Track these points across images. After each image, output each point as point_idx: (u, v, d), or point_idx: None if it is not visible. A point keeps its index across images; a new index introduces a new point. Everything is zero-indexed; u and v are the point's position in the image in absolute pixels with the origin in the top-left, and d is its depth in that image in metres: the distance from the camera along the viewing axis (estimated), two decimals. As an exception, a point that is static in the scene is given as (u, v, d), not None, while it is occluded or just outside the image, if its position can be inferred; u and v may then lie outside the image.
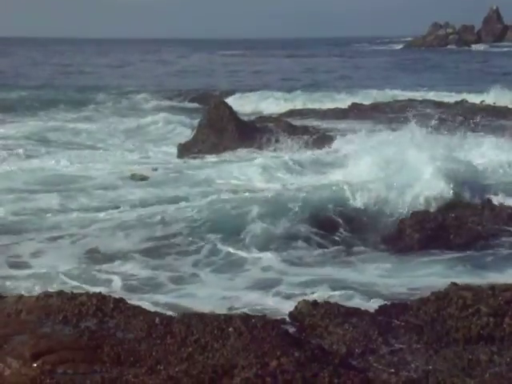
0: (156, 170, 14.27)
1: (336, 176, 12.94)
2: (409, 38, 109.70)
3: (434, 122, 13.43)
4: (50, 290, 6.38)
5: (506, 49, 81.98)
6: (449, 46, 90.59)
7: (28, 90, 34.17)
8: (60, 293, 5.80)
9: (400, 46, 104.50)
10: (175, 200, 11.43)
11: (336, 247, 9.66)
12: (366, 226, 10.40)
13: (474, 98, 26.71)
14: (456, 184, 11.21)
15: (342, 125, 20.68)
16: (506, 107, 24.31)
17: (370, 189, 11.14)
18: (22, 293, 6.66)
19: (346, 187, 11.36)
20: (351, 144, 15.20)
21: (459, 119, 20.21)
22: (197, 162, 15.89)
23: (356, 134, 16.04)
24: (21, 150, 17.37)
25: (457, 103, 25.78)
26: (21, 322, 5.28)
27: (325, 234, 10.02)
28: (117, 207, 11.10)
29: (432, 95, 28.84)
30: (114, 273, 8.36)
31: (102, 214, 10.68)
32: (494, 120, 21.44)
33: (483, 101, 26.43)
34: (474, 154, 13.90)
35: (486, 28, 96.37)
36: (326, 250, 9.55)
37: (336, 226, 10.33)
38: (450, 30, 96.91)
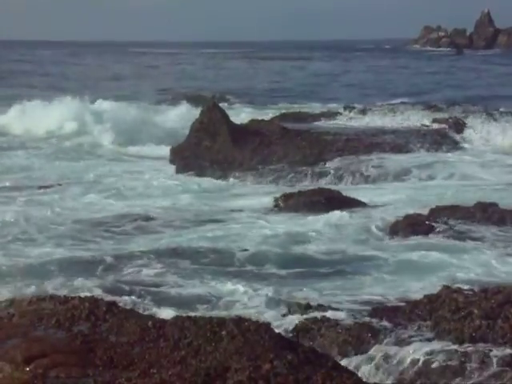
0: None
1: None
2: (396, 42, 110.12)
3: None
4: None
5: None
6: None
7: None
8: (52, 296, 5.79)
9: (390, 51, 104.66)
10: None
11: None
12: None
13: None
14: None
15: (334, 127, 20.70)
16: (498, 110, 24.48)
17: None
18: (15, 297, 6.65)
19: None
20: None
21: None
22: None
23: None
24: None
25: (449, 106, 25.91)
26: (13, 325, 5.27)
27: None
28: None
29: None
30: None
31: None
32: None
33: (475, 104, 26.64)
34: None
35: (477, 31, 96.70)
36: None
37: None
38: (442, 34, 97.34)
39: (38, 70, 52.58)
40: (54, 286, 8.03)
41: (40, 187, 14.19)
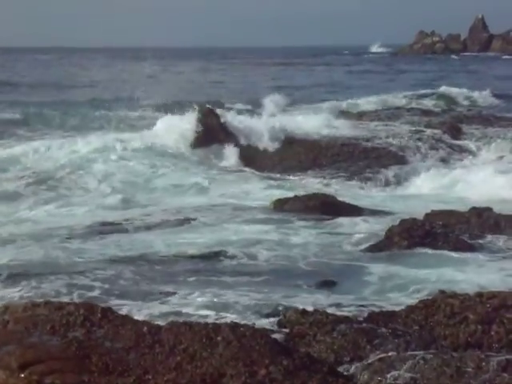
0: None
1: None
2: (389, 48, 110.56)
3: None
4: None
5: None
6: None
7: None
8: (47, 302, 5.77)
9: (385, 55, 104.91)
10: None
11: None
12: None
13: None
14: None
15: (326, 131, 20.69)
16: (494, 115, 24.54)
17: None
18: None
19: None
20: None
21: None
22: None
23: None
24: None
25: (444, 111, 26.00)
26: (8, 332, 5.25)
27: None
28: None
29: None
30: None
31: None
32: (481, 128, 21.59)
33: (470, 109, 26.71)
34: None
35: (471, 37, 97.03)
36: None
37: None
38: (436, 39, 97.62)
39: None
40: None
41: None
